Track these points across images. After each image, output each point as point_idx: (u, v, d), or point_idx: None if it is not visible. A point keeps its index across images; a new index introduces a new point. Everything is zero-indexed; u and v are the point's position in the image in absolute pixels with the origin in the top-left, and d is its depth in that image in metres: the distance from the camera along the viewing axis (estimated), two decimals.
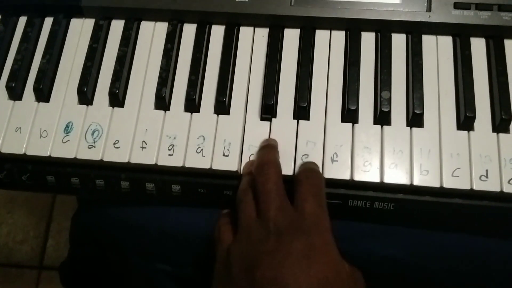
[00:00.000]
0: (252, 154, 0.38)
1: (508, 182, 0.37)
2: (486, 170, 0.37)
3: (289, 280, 0.30)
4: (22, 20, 0.45)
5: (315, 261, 0.31)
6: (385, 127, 0.39)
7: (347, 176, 0.37)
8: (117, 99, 0.41)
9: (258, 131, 0.39)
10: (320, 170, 0.38)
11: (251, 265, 0.31)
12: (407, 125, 0.39)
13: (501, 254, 0.40)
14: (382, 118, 0.39)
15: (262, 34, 0.43)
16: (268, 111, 0.40)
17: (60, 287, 0.55)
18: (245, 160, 0.38)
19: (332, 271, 0.31)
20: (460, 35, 0.41)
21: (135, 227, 0.44)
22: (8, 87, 0.42)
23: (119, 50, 0.43)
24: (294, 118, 0.40)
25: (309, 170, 0.35)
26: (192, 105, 0.40)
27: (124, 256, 0.45)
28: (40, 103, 0.41)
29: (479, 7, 0.41)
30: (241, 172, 0.38)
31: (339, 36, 0.42)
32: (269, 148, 0.37)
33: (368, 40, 0.42)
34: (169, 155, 0.39)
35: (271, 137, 0.39)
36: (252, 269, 0.30)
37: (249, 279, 0.30)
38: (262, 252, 0.31)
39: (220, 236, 0.35)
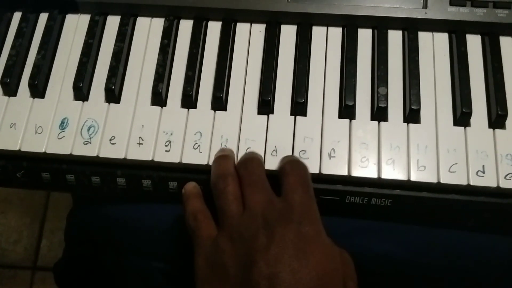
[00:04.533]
0: (249, 148, 0.38)
1: (505, 177, 0.37)
2: (483, 166, 0.37)
3: (288, 275, 0.29)
4: (17, 16, 0.45)
5: (311, 252, 0.30)
6: (382, 123, 0.39)
7: (344, 172, 0.37)
8: (113, 95, 0.40)
9: (255, 127, 0.39)
10: (318, 166, 0.37)
11: (247, 264, 0.30)
12: (404, 121, 0.39)
13: (498, 250, 0.40)
14: (379, 114, 0.39)
15: (259, 30, 0.43)
16: (265, 107, 0.40)
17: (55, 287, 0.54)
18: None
19: (328, 259, 0.31)
20: (456, 31, 0.42)
21: (131, 225, 0.44)
22: (2, 83, 0.41)
23: (115, 45, 0.42)
24: (291, 114, 0.40)
25: (293, 162, 0.35)
26: (189, 101, 0.40)
27: (119, 254, 0.45)
28: (35, 99, 0.41)
29: (474, 4, 0.41)
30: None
31: (336, 33, 0.42)
32: (251, 153, 0.37)
33: (364, 36, 0.42)
34: (166, 151, 0.39)
35: (269, 132, 0.39)
36: (248, 268, 0.30)
37: (246, 278, 0.30)
38: (256, 249, 0.30)
39: (199, 226, 0.34)
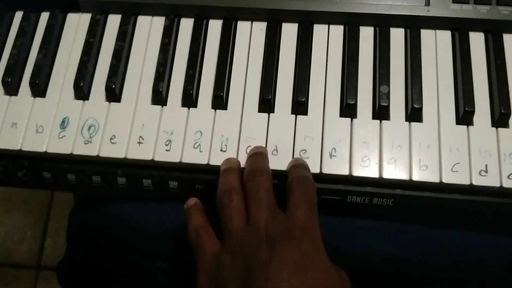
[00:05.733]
0: (249, 146, 0.38)
1: (508, 177, 0.36)
2: (486, 165, 0.37)
3: None
4: (18, 15, 0.45)
5: (310, 269, 0.31)
6: (383, 122, 0.38)
7: (345, 172, 0.37)
8: (113, 94, 0.40)
9: (256, 126, 0.39)
10: (319, 166, 0.37)
11: (246, 279, 0.30)
12: (406, 120, 0.39)
13: (500, 250, 0.40)
14: (380, 113, 0.39)
15: (260, 27, 0.42)
16: (266, 106, 0.39)
17: (58, 287, 0.54)
18: (242, 155, 0.38)
19: (326, 277, 0.31)
20: (459, 29, 0.41)
21: (132, 225, 0.44)
22: (4, 82, 0.41)
23: (115, 44, 0.42)
24: (292, 113, 0.39)
25: (301, 178, 0.35)
26: (190, 100, 0.40)
27: (121, 254, 0.45)
28: (36, 98, 0.41)
29: (477, 1, 0.40)
30: (221, 169, 0.37)
31: (337, 31, 0.42)
32: (260, 155, 0.37)
33: (366, 34, 0.42)
34: (166, 150, 0.38)
35: (269, 131, 0.39)
36: (247, 282, 0.30)
37: None
38: (256, 264, 0.31)
39: (201, 242, 0.34)
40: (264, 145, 0.38)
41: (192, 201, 0.37)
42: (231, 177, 0.35)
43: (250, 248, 0.32)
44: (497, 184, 0.36)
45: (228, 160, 0.37)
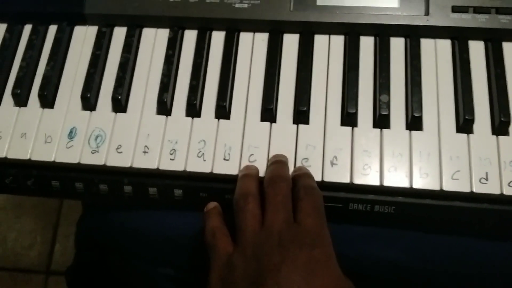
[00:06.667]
0: (251, 155, 0.39)
1: (508, 184, 0.37)
2: (486, 173, 0.37)
3: None
4: (27, 28, 0.46)
5: (320, 276, 0.31)
6: (384, 130, 0.39)
7: (346, 180, 0.38)
8: (119, 104, 0.41)
9: (258, 136, 0.40)
10: (320, 174, 0.38)
11: (257, 281, 0.31)
12: (406, 128, 0.39)
13: (501, 257, 0.40)
14: (381, 121, 0.39)
15: (262, 38, 0.43)
16: (268, 116, 0.40)
17: None
18: (245, 164, 0.39)
19: (335, 283, 0.31)
20: (459, 38, 0.42)
21: (138, 232, 0.44)
22: (13, 94, 0.43)
23: (121, 56, 0.43)
24: (294, 123, 0.40)
25: (308, 187, 0.35)
26: (193, 110, 0.41)
27: (127, 260, 0.46)
28: (45, 109, 0.42)
29: (477, 10, 0.41)
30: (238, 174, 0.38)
31: (338, 41, 0.43)
32: (282, 164, 0.37)
33: (367, 44, 0.42)
34: (171, 159, 0.39)
35: (272, 140, 0.39)
36: (258, 284, 0.31)
37: None
38: (267, 267, 0.31)
39: (216, 243, 0.35)
40: (266, 154, 0.39)
41: (212, 204, 0.38)
42: (249, 182, 0.36)
43: (262, 251, 0.32)
44: (498, 192, 0.36)
45: (247, 167, 0.38)
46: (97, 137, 0.41)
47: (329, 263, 0.32)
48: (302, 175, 0.37)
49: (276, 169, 0.37)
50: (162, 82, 0.42)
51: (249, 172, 0.37)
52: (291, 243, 0.32)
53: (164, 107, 0.41)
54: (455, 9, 0.41)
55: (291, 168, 0.38)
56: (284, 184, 0.35)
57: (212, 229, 0.36)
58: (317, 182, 0.37)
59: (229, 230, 0.36)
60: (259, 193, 0.36)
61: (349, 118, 0.39)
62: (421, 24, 0.41)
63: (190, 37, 0.44)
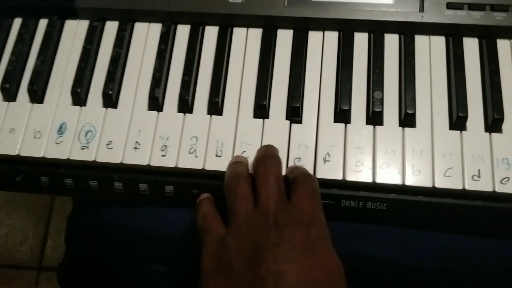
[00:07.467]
0: (244, 151, 0.38)
1: (501, 182, 0.37)
2: (479, 170, 0.37)
3: (294, 272, 0.30)
4: (17, 22, 0.45)
5: (317, 254, 0.31)
6: (377, 127, 0.39)
7: (339, 176, 0.38)
8: (110, 100, 0.41)
9: (251, 132, 0.39)
10: (313, 170, 0.38)
11: (255, 260, 0.31)
12: (400, 125, 0.39)
13: (494, 254, 0.40)
14: (374, 118, 0.39)
15: (255, 34, 0.43)
16: (260, 112, 0.40)
17: None
18: None
19: (333, 262, 0.32)
20: (453, 35, 0.41)
21: (130, 228, 0.44)
22: (2, 89, 0.42)
23: (113, 51, 0.43)
24: (286, 119, 0.40)
25: (306, 174, 0.35)
26: (185, 105, 0.40)
27: (118, 257, 0.45)
28: (34, 104, 0.42)
29: (471, 7, 0.41)
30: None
31: (332, 37, 0.42)
32: (271, 146, 0.38)
33: (361, 40, 0.42)
34: (162, 155, 0.39)
35: (264, 137, 0.39)
36: (256, 263, 0.31)
37: (253, 273, 0.30)
38: (265, 246, 0.31)
39: (209, 225, 0.34)
40: None
41: (205, 195, 0.38)
42: (239, 166, 0.36)
43: (258, 230, 0.32)
44: (490, 189, 0.36)
45: (236, 156, 0.38)
46: (87, 132, 0.40)
47: (325, 242, 0.32)
48: (298, 167, 0.37)
49: (266, 149, 0.37)
50: (154, 77, 0.41)
51: (239, 160, 0.37)
52: (287, 223, 0.32)
53: (155, 103, 0.40)
54: (450, 5, 0.41)
55: (284, 168, 0.38)
56: (275, 164, 0.35)
57: (204, 214, 0.36)
58: None
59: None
60: (250, 177, 0.35)
61: (342, 115, 0.39)
62: (415, 20, 0.41)
63: (183, 32, 0.44)
